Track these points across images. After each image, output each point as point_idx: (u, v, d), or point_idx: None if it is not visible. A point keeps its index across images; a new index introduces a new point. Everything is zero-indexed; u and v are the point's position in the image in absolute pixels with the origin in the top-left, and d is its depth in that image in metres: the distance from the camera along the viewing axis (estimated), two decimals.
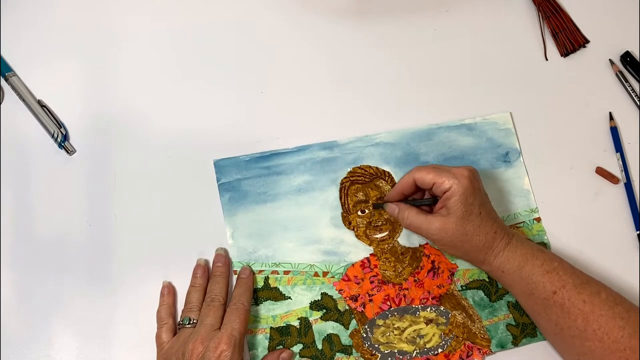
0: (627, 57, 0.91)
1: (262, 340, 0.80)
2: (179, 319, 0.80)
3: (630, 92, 0.90)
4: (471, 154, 0.86)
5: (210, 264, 0.83)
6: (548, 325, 0.76)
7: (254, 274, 0.82)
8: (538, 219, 0.85)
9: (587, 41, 0.92)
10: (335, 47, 0.90)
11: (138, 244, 0.83)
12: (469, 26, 0.92)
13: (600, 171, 0.87)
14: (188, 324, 0.78)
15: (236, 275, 0.82)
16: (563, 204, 0.86)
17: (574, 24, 0.92)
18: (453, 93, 0.89)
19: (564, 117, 0.89)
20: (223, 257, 0.82)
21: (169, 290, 0.82)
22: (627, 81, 0.90)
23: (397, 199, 0.81)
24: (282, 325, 0.81)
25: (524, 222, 0.85)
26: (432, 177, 0.77)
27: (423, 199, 0.81)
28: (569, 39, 0.91)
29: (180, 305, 0.81)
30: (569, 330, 0.74)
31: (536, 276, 0.76)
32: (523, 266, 0.76)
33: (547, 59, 0.91)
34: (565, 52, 0.91)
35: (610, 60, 0.91)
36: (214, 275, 0.81)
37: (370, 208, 0.84)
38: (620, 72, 0.91)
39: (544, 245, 0.84)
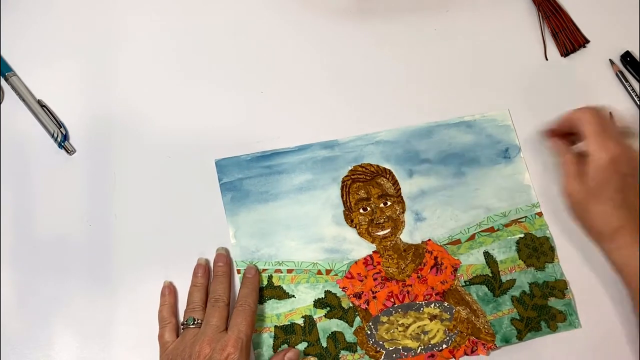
0: (627, 57, 0.96)
1: (267, 339, 0.86)
2: (181, 318, 0.85)
3: (631, 92, 0.95)
4: (471, 151, 0.92)
5: (211, 264, 0.89)
6: None
7: (259, 273, 0.88)
8: (540, 214, 0.91)
9: (587, 41, 0.97)
10: (336, 46, 0.96)
11: (138, 244, 0.88)
12: (469, 26, 0.98)
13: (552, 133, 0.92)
14: (192, 324, 0.82)
15: (239, 275, 0.88)
16: (564, 200, 0.91)
17: (574, 24, 0.98)
18: (453, 93, 0.95)
19: None
20: (224, 256, 0.88)
21: (170, 290, 0.87)
22: (627, 81, 0.96)
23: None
24: (286, 323, 0.86)
25: (525, 217, 0.91)
26: (587, 132, 0.81)
27: None
28: (569, 38, 0.97)
29: (181, 305, 0.87)
30: None
31: None
32: None
33: (547, 59, 0.97)
34: (565, 52, 0.97)
35: (610, 60, 0.97)
36: (216, 275, 0.86)
37: (379, 204, 0.90)
38: (621, 72, 0.96)
39: (547, 240, 0.90)
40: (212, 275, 0.87)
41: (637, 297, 0.80)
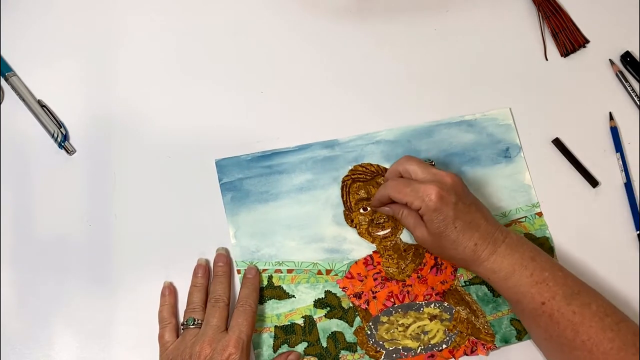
0: (627, 57, 0.96)
1: (267, 339, 0.86)
2: (181, 319, 0.86)
3: (630, 92, 0.95)
4: (472, 150, 0.93)
5: (211, 264, 0.89)
6: (537, 332, 0.80)
7: (259, 273, 0.88)
8: (540, 214, 0.91)
9: (587, 41, 0.97)
10: (336, 46, 0.96)
11: (138, 244, 0.88)
12: (469, 26, 0.98)
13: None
14: (192, 325, 0.83)
15: (239, 275, 0.88)
16: (564, 199, 0.92)
17: (574, 24, 0.98)
18: (453, 93, 0.95)
19: (564, 117, 0.95)
20: (224, 256, 0.88)
21: (170, 291, 0.87)
22: (627, 81, 0.96)
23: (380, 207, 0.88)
24: (286, 323, 0.87)
25: (525, 217, 0.91)
26: (402, 198, 0.82)
27: None
28: (569, 39, 0.97)
29: (181, 305, 0.87)
30: (557, 339, 0.78)
31: (524, 287, 0.79)
32: (509, 277, 0.79)
33: (547, 59, 0.97)
34: (565, 52, 0.97)
35: (610, 60, 0.97)
36: (216, 275, 0.87)
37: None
38: (620, 72, 0.96)
39: (547, 240, 0.90)
40: (212, 275, 0.87)
41: (513, 298, 0.81)
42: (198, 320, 0.83)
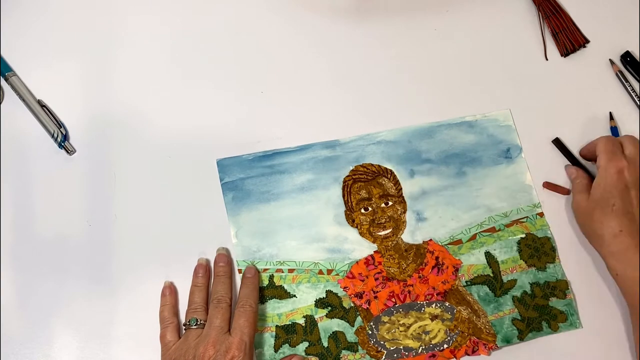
0: (627, 57, 0.97)
1: (268, 339, 0.86)
2: (183, 319, 0.86)
3: (631, 92, 0.96)
4: (472, 151, 0.93)
5: (212, 264, 0.89)
6: None
7: (259, 272, 0.88)
8: (541, 214, 0.91)
9: (587, 41, 0.98)
10: (336, 46, 0.96)
11: (139, 244, 0.89)
12: (469, 26, 0.98)
13: (548, 185, 0.93)
14: (195, 325, 0.83)
15: (240, 274, 0.88)
16: (566, 199, 0.92)
17: (574, 24, 0.98)
18: (454, 93, 0.96)
19: (564, 117, 0.95)
20: (225, 256, 0.88)
21: (170, 290, 0.87)
22: (627, 81, 0.96)
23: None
24: (287, 323, 0.87)
25: (527, 217, 0.91)
26: (598, 151, 0.88)
27: None
28: (569, 38, 0.97)
29: (182, 306, 0.87)
30: None
31: None
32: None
33: (547, 59, 0.97)
34: (565, 52, 0.97)
35: (610, 60, 0.97)
36: (217, 275, 0.87)
37: (380, 204, 0.90)
38: (621, 72, 0.96)
39: (548, 240, 0.90)
40: (213, 275, 0.87)
41: (633, 302, 0.81)
42: (200, 320, 0.83)
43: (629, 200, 0.84)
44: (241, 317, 0.82)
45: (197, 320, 0.83)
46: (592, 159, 0.92)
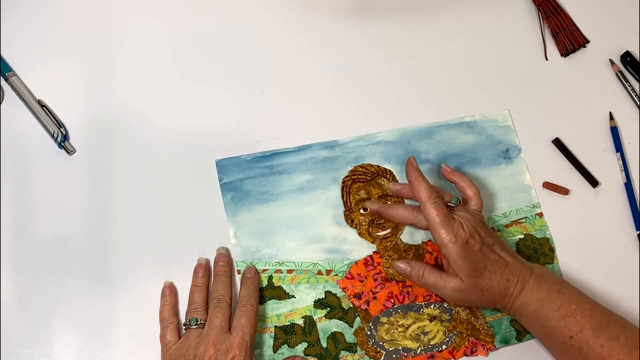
0: (627, 57, 0.97)
1: (267, 339, 0.86)
2: (183, 319, 0.86)
3: (631, 92, 0.96)
4: (471, 151, 0.93)
5: (212, 264, 0.89)
6: None
7: (258, 273, 0.88)
8: (540, 215, 0.92)
9: (587, 41, 0.98)
10: (336, 46, 0.96)
11: (138, 244, 0.88)
12: (469, 26, 0.98)
13: (548, 185, 0.93)
14: (195, 325, 0.83)
15: (239, 275, 0.88)
16: (565, 200, 0.92)
17: (574, 24, 0.98)
18: (453, 93, 0.96)
19: (564, 117, 0.95)
20: (225, 256, 0.88)
21: (170, 290, 0.87)
22: (627, 81, 0.96)
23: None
24: (286, 324, 0.87)
25: (526, 217, 0.91)
26: (427, 220, 0.83)
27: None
28: (569, 38, 0.97)
29: (182, 306, 0.87)
30: None
31: (553, 321, 0.79)
32: (539, 311, 0.80)
33: (547, 59, 0.98)
34: (565, 52, 0.97)
35: (610, 60, 0.97)
36: (217, 275, 0.87)
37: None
38: (621, 72, 0.97)
39: (547, 240, 0.91)
40: (213, 275, 0.88)
41: (542, 333, 0.82)
42: (201, 320, 0.83)
43: (487, 257, 0.82)
44: (242, 317, 0.83)
45: (197, 320, 0.83)
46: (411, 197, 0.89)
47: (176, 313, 0.87)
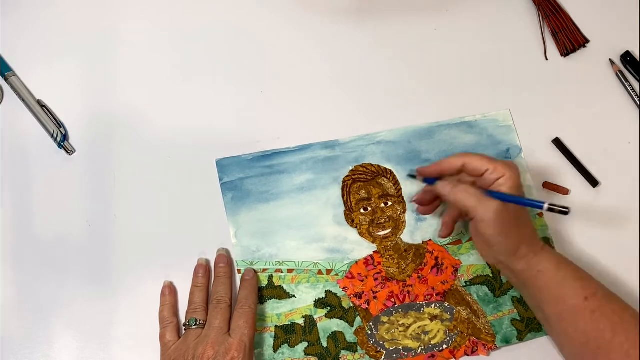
0: (627, 57, 0.97)
1: (267, 339, 0.86)
2: (182, 319, 0.86)
3: (631, 92, 0.96)
4: (472, 151, 0.91)
5: (212, 264, 0.89)
6: (575, 334, 0.79)
7: (257, 274, 0.88)
8: (541, 215, 0.92)
9: (587, 41, 0.98)
10: (336, 46, 0.96)
11: (138, 244, 0.88)
12: (469, 26, 0.98)
13: (548, 185, 0.93)
14: (195, 325, 0.83)
15: (239, 274, 0.88)
16: (565, 200, 0.92)
17: (574, 24, 0.98)
18: (453, 93, 0.96)
19: (564, 117, 0.95)
20: (225, 257, 0.88)
21: (170, 290, 0.87)
22: (627, 81, 0.96)
23: (434, 176, 0.86)
24: (286, 323, 0.87)
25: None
26: (485, 163, 0.81)
27: None
28: (569, 38, 0.97)
29: (182, 306, 0.87)
30: (595, 340, 0.78)
31: (570, 280, 0.80)
32: (560, 267, 0.80)
33: (547, 59, 0.98)
34: (565, 52, 0.97)
35: (610, 60, 0.98)
36: (217, 276, 0.87)
37: (380, 205, 0.90)
38: (621, 72, 0.97)
39: (547, 241, 0.91)
40: (213, 276, 0.88)
41: (558, 294, 0.81)
42: (200, 320, 0.83)
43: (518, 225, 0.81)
44: (241, 319, 0.83)
45: (196, 321, 0.83)
46: (450, 175, 0.86)
47: (176, 313, 0.87)
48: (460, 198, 0.81)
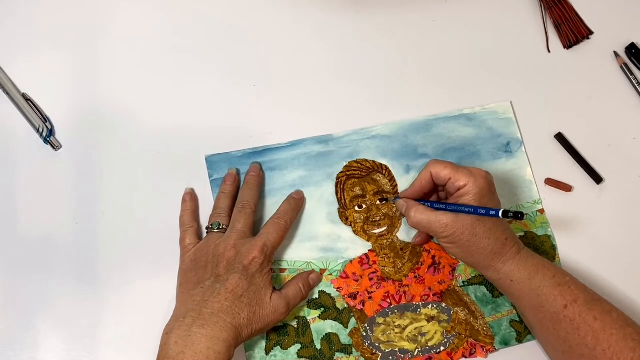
0: (632, 49, 0.95)
1: (259, 341, 0.84)
2: (206, 223, 0.86)
3: (636, 84, 0.94)
4: (471, 145, 0.91)
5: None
6: (557, 342, 0.79)
7: (304, 199, 0.89)
8: (542, 211, 0.90)
9: (591, 32, 0.96)
10: (331, 38, 0.95)
11: (126, 242, 0.87)
12: (468, 17, 0.96)
13: (550, 182, 0.91)
14: (217, 229, 0.83)
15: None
16: (567, 196, 0.91)
17: (577, 15, 0.96)
18: (452, 85, 0.94)
19: (567, 111, 0.94)
20: (258, 168, 0.88)
21: (191, 197, 0.88)
22: (632, 74, 0.95)
23: (415, 197, 0.85)
24: (279, 325, 0.85)
25: (527, 214, 0.89)
26: (449, 173, 0.81)
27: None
28: (572, 30, 0.96)
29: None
30: (578, 348, 0.77)
31: (547, 288, 0.79)
32: (534, 276, 0.80)
33: (549, 51, 0.96)
34: (568, 44, 0.96)
35: (614, 52, 0.96)
36: (246, 182, 0.87)
37: (375, 202, 0.89)
38: (625, 65, 0.95)
39: (548, 238, 0.89)
40: (243, 183, 0.87)
41: (534, 302, 0.80)
42: (223, 225, 0.83)
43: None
44: (271, 227, 0.83)
45: (219, 225, 0.83)
46: (430, 189, 0.85)
47: (196, 218, 0.87)
48: (411, 216, 0.82)
